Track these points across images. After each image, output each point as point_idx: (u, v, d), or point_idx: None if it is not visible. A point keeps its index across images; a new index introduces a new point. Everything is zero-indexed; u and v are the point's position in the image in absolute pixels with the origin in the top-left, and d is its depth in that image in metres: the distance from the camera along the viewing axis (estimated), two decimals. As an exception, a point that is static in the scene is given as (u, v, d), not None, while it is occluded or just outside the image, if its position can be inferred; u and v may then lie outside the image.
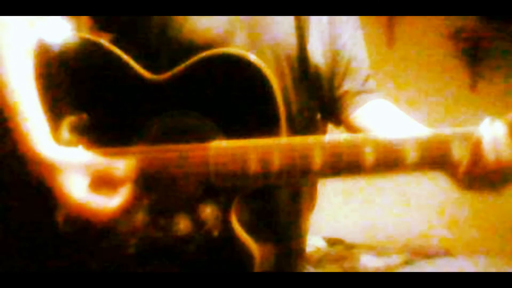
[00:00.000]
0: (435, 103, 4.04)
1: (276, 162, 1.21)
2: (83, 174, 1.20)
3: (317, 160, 1.20)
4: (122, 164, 1.22)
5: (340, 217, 3.90)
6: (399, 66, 4.08)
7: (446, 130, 1.21)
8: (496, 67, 3.96)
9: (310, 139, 1.23)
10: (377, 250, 3.77)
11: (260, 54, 1.27)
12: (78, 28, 1.34)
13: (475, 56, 3.97)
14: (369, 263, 3.64)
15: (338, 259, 3.67)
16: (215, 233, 1.24)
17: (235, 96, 1.25)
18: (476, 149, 1.17)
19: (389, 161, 1.19)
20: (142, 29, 1.34)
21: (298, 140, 1.23)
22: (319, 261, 3.58)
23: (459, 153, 1.18)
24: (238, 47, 1.29)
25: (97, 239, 1.25)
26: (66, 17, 1.34)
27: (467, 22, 3.87)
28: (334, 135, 1.25)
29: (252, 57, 1.24)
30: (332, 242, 3.89)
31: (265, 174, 1.21)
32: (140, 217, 1.26)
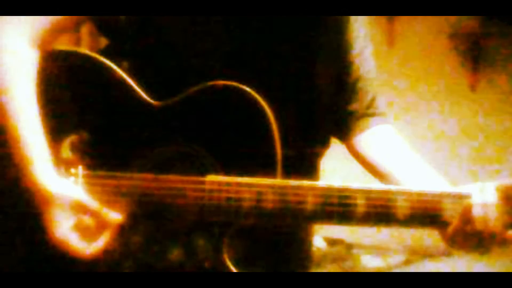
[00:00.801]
0: (435, 103, 4.04)
1: (269, 203, 1.23)
2: (71, 212, 1.22)
3: (309, 206, 1.23)
4: (110, 214, 1.24)
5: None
6: (399, 66, 4.08)
7: (438, 189, 1.25)
8: (496, 67, 3.96)
9: (304, 183, 1.25)
10: (377, 250, 3.77)
11: (262, 83, 1.27)
12: (78, 40, 1.35)
13: (475, 56, 3.97)
14: (369, 263, 3.65)
15: (338, 259, 3.68)
16: (206, 265, 1.25)
17: (233, 130, 1.26)
18: (465, 213, 1.21)
19: (380, 214, 1.22)
20: (141, 42, 1.34)
21: (293, 183, 1.25)
22: (319, 261, 3.58)
23: (449, 214, 1.22)
24: (239, 77, 1.28)
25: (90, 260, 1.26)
26: (66, 28, 1.34)
27: (467, 22, 3.87)
28: (328, 181, 1.27)
29: (253, 93, 1.25)
30: (332, 242, 3.90)
31: (258, 213, 1.24)
32: (133, 243, 1.27)
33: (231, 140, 1.27)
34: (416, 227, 1.25)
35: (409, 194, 1.22)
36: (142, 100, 1.29)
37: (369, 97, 1.42)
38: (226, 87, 1.26)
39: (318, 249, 3.75)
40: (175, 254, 1.27)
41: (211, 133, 1.27)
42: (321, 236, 3.85)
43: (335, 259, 3.67)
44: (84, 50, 1.35)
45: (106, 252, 1.24)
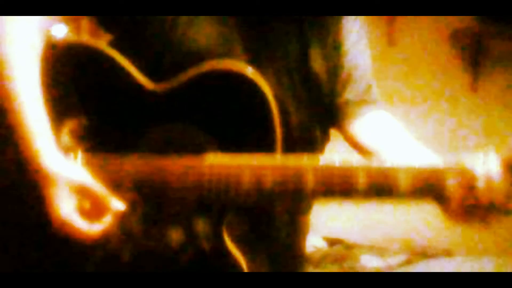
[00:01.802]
0: (435, 103, 4.04)
1: (269, 181, 1.23)
2: (75, 193, 1.22)
3: (310, 183, 1.22)
4: (112, 198, 1.23)
5: (340, 217, 3.90)
6: (399, 66, 4.08)
7: (440, 161, 1.24)
8: (496, 67, 3.96)
9: (304, 160, 1.24)
10: (377, 250, 3.77)
11: (259, 66, 1.28)
12: (78, 30, 1.35)
13: (475, 56, 3.97)
14: (369, 263, 3.64)
15: (338, 259, 3.67)
16: (207, 246, 1.25)
17: (232, 110, 1.26)
18: (468, 184, 1.20)
19: (382, 189, 1.22)
20: (143, 33, 1.34)
21: (292, 160, 1.24)
22: (319, 261, 3.58)
23: (452, 186, 1.21)
24: (237, 60, 1.29)
25: (89, 244, 1.26)
26: (67, 18, 1.34)
27: (467, 22, 3.87)
28: (329, 157, 1.26)
29: (251, 72, 1.25)
30: (332, 242, 3.89)
31: (258, 192, 1.23)
32: (133, 225, 1.27)
33: (230, 121, 1.27)
34: (419, 199, 1.24)
35: (410, 167, 1.22)
36: (140, 84, 1.29)
37: (363, 86, 1.43)
38: (225, 68, 1.26)
39: (318, 249, 3.75)
40: (175, 236, 1.27)
41: (210, 115, 1.27)
42: (321, 236, 3.85)
43: (335, 259, 3.66)
44: (84, 37, 1.36)
45: (106, 235, 1.24)
